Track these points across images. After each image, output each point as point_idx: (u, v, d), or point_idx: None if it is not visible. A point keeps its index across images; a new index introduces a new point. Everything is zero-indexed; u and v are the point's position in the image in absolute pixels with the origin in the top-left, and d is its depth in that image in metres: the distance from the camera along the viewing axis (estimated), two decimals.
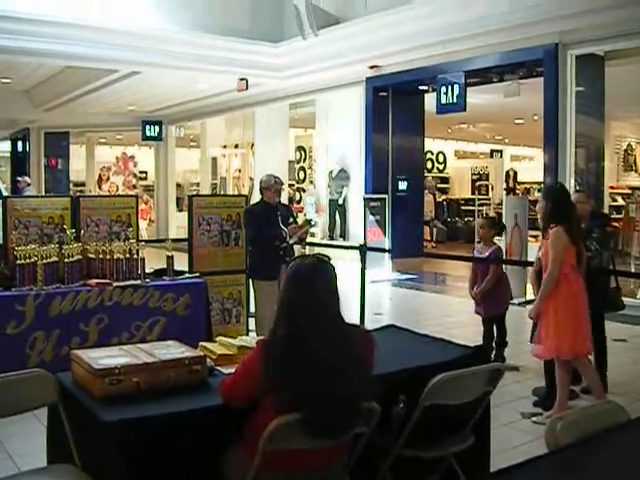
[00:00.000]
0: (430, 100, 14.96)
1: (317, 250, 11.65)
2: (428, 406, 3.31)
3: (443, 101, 12.98)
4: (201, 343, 3.93)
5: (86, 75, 16.01)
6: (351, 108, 15.90)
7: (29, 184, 17.22)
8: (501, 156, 28.68)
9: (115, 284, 6.51)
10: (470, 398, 3.51)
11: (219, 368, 3.58)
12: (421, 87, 15.03)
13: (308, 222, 7.68)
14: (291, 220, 7.33)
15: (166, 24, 13.98)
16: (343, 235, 16.39)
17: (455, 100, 12.78)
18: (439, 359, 3.89)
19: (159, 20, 13.94)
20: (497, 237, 7.99)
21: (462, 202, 25.31)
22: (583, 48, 11.15)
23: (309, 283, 3.05)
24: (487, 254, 7.22)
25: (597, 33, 10.66)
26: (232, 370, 3.36)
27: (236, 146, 22.43)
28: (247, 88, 15.73)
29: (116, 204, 7.50)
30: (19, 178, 17.83)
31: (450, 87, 12.81)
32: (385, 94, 15.08)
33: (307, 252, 8.11)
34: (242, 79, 15.56)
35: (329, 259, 3.20)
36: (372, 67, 14.35)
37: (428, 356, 3.97)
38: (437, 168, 26.93)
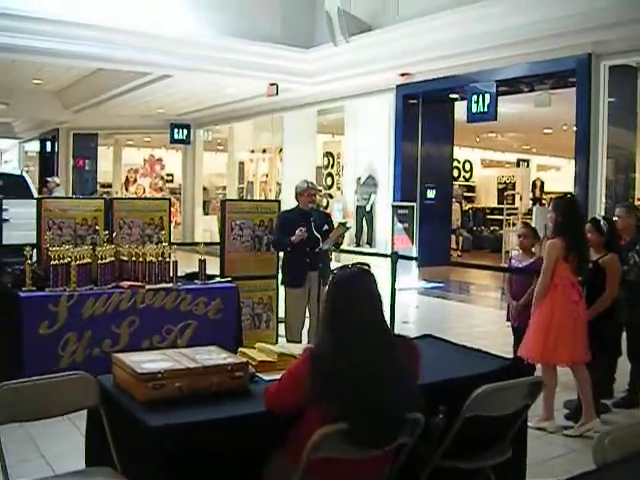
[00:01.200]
0: (459, 108, 14.95)
1: (345, 257, 11.65)
2: (468, 417, 3.30)
3: (474, 110, 12.94)
4: (240, 349, 3.93)
5: (117, 77, 16.11)
6: (380, 115, 15.87)
7: (58, 184, 17.35)
8: (527, 166, 28.55)
9: (147, 287, 6.53)
10: (511, 410, 3.49)
11: (260, 375, 3.58)
12: (451, 95, 15.00)
13: (343, 225, 7.60)
14: (326, 227, 7.30)
15: (199, 29, 14.04)
16: (370, 242, 16.36)
17: (486, 109, 12.73)
18: (478, 370, 3.87)
19: (192, 24, 14.00)
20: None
21: (488, 211, 25.22)
22: (616, 59, 11.08)
23: (354, 293, 3.04)
24: (526, 264, 7.16)
25: (630, 44, 10.59)
26: (273, 377, 3.37)
27: (264, 151, 22.47)
28: (277, 93, 15.76)
29: (149, 207, 7.54)
30: (48, 179, 17.96)
31: (481, 96, 12.77)
32: (415, 102, 15.06)
33: (336, 258, 8.06)
34: (272, 84, 15.59)
35: (369, 267, 3.19)
36: (403, 74, 14.31)
37: (467, 367, 3.95)
38: (463, 177, 26.88)
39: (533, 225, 9.24)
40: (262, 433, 3.08)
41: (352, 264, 3.20)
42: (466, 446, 3.40)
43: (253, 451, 3.07)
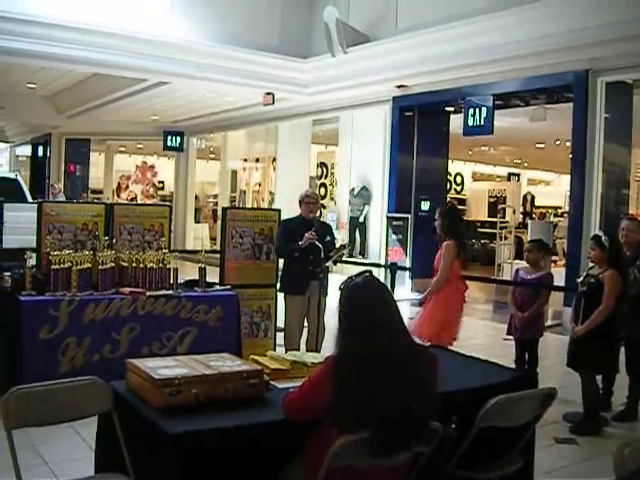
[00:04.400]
0: (453, 121, 15.00)
1: (339, 267, 11.64)
2: (482, 428, 3.31)
3: (470, 123, 12.98)
4: (252, 356, 3.92)
5: (113, 83, 16.10)
6: (375, 126, 15.90)
7: (61, 190, 17.54)
8: (518, 180, 28.69)
9: (148, 293, 6.52)
10: (523, 421, 3.51)
11: (273, 383, 3.57)
12: (447, 108, 15.04)
13: (343, 247, 7.65)
14: (328, 239, 7.30)
15: (197, 36, 14.04)
16: (363, 253, 16.37)
17: (482, 122, 12.77)
18: (489, 381, 3.89)
19: (190, 32, 14.00)
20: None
21: (479, 224, 25.28)
22: (613, 75, 11.16)
23: (370, 301, 3.05)
24: (535, 276, 7.19)
25: (626, 61, 10.67)
26: (287, 385, 3.37)
27: (257, 160, 22.48)
28: (273, 102, 15.77)
29: (149, 213, 7.52)
30: (54, 184, 18.17)
31: (478, 109, 12.82)
32: (411, 114, 15.08)
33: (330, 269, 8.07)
34: (268, 93, 15.60)
35: (372, 275, 3.22)
36: (399, 87, 14.36)
37: (477, 377, 3.98)
38: (455, 189, 26.98)
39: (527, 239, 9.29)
40: (279, 441, 3.08)
41: (358, 273, 3.21)
42: (477, 456, 3.41)
43: (269, 458, 3.06)
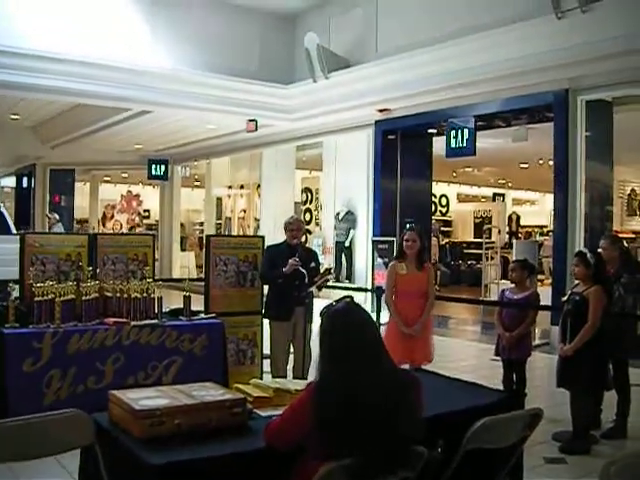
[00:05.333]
0: (437, 143, 15.05)
1: (325, 292, 11.62)
2: (468, 450, 3.28)
3: (453, 145, 13.01)
4: (235, 385, 3.90)
5: (96, 113, 16.09)
6: (359, 150, 15.92)
7: (59, 220, 17.47)
8: (503, 200, 28.81)
9: (133, 323, 6.48)
10: (510, 442, 3.49)
11: (256, 411, 3.54)
12: (430, 130, 15.09)
13: (328, 271, 7.65)
14: (313, 264, 7.30)
15: (179, 64, 14.11)
16: (349, 277, 16.35)
17: (465, 144, 12.81)
18: (475, 403, 3.87)
19: (172, 60, 14.08)
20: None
21: (465, 245, 25.37)
22: (593, 94, 11.22)
23: (350, 326, 3.04)
24: (521, 296, 7.20)
25: (606, 79, 10.75)
26: (270, 413, 3.34)
27: (242, 187, 22.48)
28: (256, 129, 15.80)
29: (133, 242, 7.48)
30: (48, 215, 18.11)
31: (460, 131, 12.86)
32: (394, 137, 15.12)
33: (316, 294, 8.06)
34: (251, 120, 15.62)
35: (353, 300, 3.21)
36: (381, 110, 14.42)
37: (463, 400, 3.95)
38: (440, 211, 27.08)
39: (518, 258, 9.31)
40: (262, 470, 3.05)
41: (339, 299, 3.21)
42: (465, 479, 3.39)
43: None
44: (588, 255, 6.21)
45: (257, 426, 3.28)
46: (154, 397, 3.35)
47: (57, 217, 17.79)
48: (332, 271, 8.08)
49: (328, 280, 7.66)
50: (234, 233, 21.34)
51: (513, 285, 7.41)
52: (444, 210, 27.52)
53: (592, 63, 10.40)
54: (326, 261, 16.45)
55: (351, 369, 2.91)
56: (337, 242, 16.63)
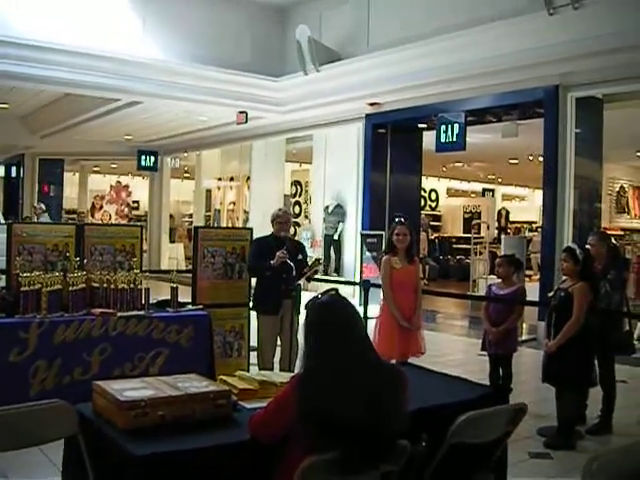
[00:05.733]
0: (426, 138, 15.06)
1: (313, 285, 11.63)
2: (452, 444, 3.29)
3: (443, 140, 13.02)
4: (220, 376, 3.89)
5: (86, 103, 16.01)
6: (349, 144, 15.91)
7: (45, 211, 17.40)
8: (493, 195, 28.87)
9: (119, 314, 6.46)
10: (493, 437, 3.50)
11: (241, 403, 3.54)
12: (420, 125, 15.09)
13: (317, 261, 7.64)
14: (300, 257, 7.29)
15: (170, 55, 14.07)
16: (338, 270, 16.35)
17: (455, 139, 12.82)
18: (459, 398, 3.88)
19: (163, 51, 14.04)
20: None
21: (454, 240, 25.41)
22: (583, 91, 11.25)
23: (335, 318, 3.05)
24: (507, 292, 7.21)
25: (597, 76, 10.78)
26: (255, 405, 3.34)
27: (231, 179, 22.44)
28: (246, 121, 15.77)
29: (120, 233, 7.45)
30: (35, 205, 18.02)
31: (450, 126, 12.87)
32: (384, 131, 15.14)
33: (304, 287, 8.06)
34: (242, 112, 15.59)
35: (339, 293, 3.21)
36: (372, 104, 14.41)
37: (448, 394, 3.96)
38: (429, 206, 27.11)
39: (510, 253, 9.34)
40: (246, 461, 3.05)
41: (323, 292, 3.21)
42: (449, 473, 3.39)
43: None
44: (577, 251, 6.22)
45: (242, 418, 3.29)
46: (139, 388, 3.35)
47: (43, 207, 17.71)
48: (321, 261, 8.07)
49: (317, 271, 7.67)
50: (223, 225, 21.29)
51: (500, 280, 7.43)
52: (434, 205, 27.56)
53: (583, 60, 10.41)
54: (315, 254, 16.44)
55: (336, 362, 2.91)
56: (326, 235, 16.62)
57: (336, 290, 3.20)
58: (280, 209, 7.56)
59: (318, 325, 3.06)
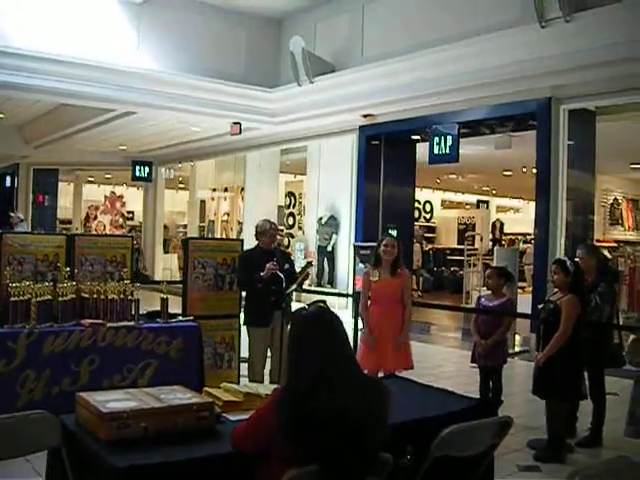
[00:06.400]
0: (421, 149, 15.07)
1: (305, 296, 11.63)
2: (437, 458, 3.27)
3: (436, 151, 13.03)
4: (205, 388, 3.89)
5: (81, 113, 16.03)
6: (342, 155, 15.93)
7: (22, 220, 17.17)
8: (487, 207, 28.89)
9: (109, 325, 6.44)
10: (479, 450, 3.48)
11: (226, 415, 3.53)
12: (413, 137, 15.11)
13: (309, 264, 7.66)
14: (287, 266, 7.29)
15: (164, 66, 14.09)
16: (331, 282, 16.34)
17: (448, 151, 12.83)
18: (444, 410, 3.86)
19: (157, 62, 14.07)
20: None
21: (448, 252, 25.41)
22: (575, 103, 11.27)
23: (319, 331, 3.03)
24: (496, 303, 7.21)
25: (589, 89, 10.80)
26: (239, 417, 3.33)
27: (226, 189, 22.45)
28: (240, 132, 15.79)
29: (111, 244, 7.43)
30: (12, 214, 17.73)
31: (443, 138, 12.88)
32: (377, 142, 15.15)
33: (297, 298, 8.07)
34: (236, 123, 15.62)
35: (326, 305, 3.20)
36: (365, 116, 14.44)
37: (434, 407, 3.95)
38: (424, 217, 27.11)
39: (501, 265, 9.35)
40: (229, 474, 3.04)
41: (310, 303, 3.20)
42: None
43: None
44: (568, 263, 6.22)
45: (225, 430, 3.27)
46: (121, 400, 3.33)
47: (21, 216, 17.46)
48: (312, 264, 8.07)
49: (309, 274, 7.68)
50: (217, 236, 21.28)
51: (489, 292, 7.42)
52: (428, 216, 27.56)
53: (575, 72, 10.45)
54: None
55: (320, 375, 2.90)
56: (319, 246, 16.61)
57: (324, 302, 3.19)
58: (267, 221, 7.53)
59: (303, 337, 3.05)
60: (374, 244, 14.11)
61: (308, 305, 3.19)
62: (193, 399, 3.41)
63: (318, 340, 2.99)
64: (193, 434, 3.25)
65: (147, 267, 22.91)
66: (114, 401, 3.29)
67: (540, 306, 6.53)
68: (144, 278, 6.61)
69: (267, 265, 6.96)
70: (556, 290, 6.37)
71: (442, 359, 11.00)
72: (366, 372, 5.58)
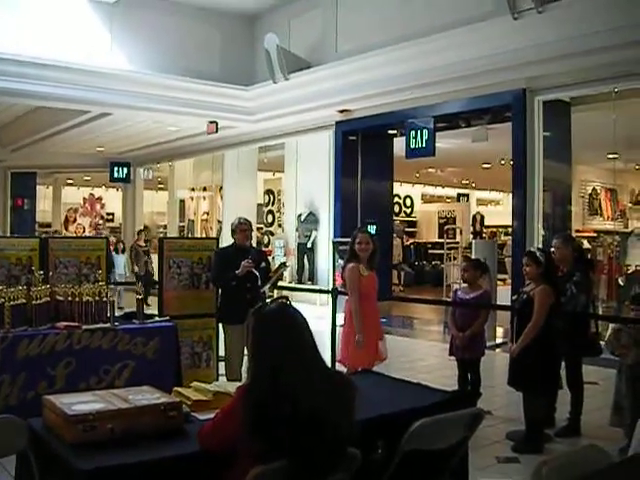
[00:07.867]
0: (399, 144, 15.08)
1: (286, 293, 11.60)
2: (407, 452, 3.26)
3: (412, 145, 13.04)
4: (175, 388, 3.86)
5: (56, 115, 15.94)
6: (320, 152, 15.93)
7: None
8: (467, 200, 28.95)
9: (84, 327, 6.39)
10: (450, 443, 3.47)
11: (195, 414, 3.50)
12: (390, 131, 15.12)
13: (283, 264, 7.65)
14: (263, 265, 7.27)
15: (138, 66, 14.02)
16: (312, 278, 16.33)
17: (424, 145, 12.85)
18: (416, 404, 3.85)
19: (131, 62, 14.01)
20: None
21: (429, 246, 25.45)
22: (550, 94, 11.30)
23: (279, 327, 3.02)
24: (473, 296, 7.20)
25: (563, 79, 10.83)
26: (208, 416, 3.30)
27: (204, 189, 22.39)
28: (217, 131, 15.75)
29: (86, 246, 7.40)
30: None
31: (419, 132, 12.90)
32: (354, 138, 15.15)
33: (276, 295, 8.04)
34: (212, 122, 15.58)
35: (289, 301, 3.18)
36: (342, 111, 14.44)
37: (405, 401, 3.93)
38: (404, 212, 27.14)
39: (476, 257, 9.36)
40: (196, 473, 3.01)
41: (273, 300, 3.20)
42: None
43: None
44: (538, 254, 6.23)
45: (193, 430, 3.24)
46: (88, 402, 3.30)
47: None
48: (287, 264, 8.07)
49: (283, 275, 7.67)
50: (197, 235, 21.24)
51: (466, 285, 7.42)
52: (409, 211, 27.58)
53: (549, 63, 10.48)
54: (288, 262, 16.42)
55: (283, 371, 2.88)
56: (299, 244, 16.61)
57: (286, 298, 3.18)
58: (240, 218, 7.56)
59: (264, 334, 3.03)
60: None
61: (270, 302, 3.18)
62: (161, 399, 3.38)
63: (280, 336, 2.97)
64: (161, 434, 3.21)
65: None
66: (80, 403, 3.26)
67: (514, 297, 6.54)
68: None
69: (242, 263, 6.95)
70: (529, 282, 6.38)
71: (424, 353, 11.00)
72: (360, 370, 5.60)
